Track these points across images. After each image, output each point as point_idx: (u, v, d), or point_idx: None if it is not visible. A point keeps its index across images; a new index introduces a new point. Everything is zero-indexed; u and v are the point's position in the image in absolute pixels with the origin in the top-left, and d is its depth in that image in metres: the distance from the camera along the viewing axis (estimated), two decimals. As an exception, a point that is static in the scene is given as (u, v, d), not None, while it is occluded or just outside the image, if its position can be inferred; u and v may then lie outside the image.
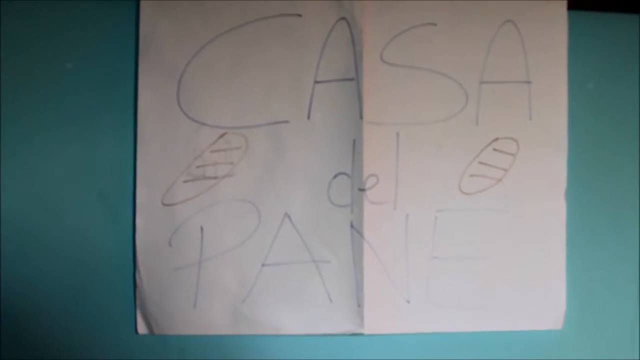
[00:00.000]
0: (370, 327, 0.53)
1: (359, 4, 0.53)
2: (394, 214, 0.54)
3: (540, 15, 0.55)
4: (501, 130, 0.55)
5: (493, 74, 0.55)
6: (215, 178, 0.52)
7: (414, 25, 0.54)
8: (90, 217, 0.52)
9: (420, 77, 0.54)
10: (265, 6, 0.53)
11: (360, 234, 0.53)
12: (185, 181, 0.52)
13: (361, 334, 0.53)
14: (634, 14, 0.58)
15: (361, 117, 0.53)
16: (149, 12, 0.52)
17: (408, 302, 0.54)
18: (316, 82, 0.53)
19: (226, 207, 0.52)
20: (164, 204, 0.52)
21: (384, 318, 0.53)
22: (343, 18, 0.53)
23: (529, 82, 0.55)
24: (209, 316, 0.52)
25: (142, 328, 0.52)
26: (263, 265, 0.53)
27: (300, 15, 0.53)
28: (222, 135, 0.52)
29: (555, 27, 0.56)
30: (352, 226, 0.53)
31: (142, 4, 0.52)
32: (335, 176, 0.53)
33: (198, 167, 0.52)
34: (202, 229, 0.52)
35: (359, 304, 0.53)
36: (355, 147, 0.53)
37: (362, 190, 0.53)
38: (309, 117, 0.53)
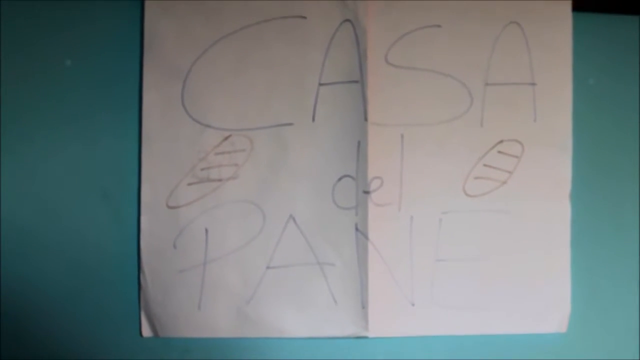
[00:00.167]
0: (375, 329, 0.53)
1: (363, 6, 0.53)
2: (398, 216, 0.54)
3: (545, 16, 0.55)
4: (506, 131, 0.55)
5: (498, 76, 0.55)
6: (219, 180, 0.52)
7: (419, 27, 0.54)
8: (94, 217, 0.52)
9: (424, 78, 0.54)
10: (269, 8, 0.53)
11: (365, 236, 0.53)
12: (189, 184, 0.52)
13: (366, 337, 0.53)
14: (637, 16, 0.58)
15: (366, 118, 0.53)
16: (154, 12, 0.52)
17: (413, 304, 0.54)
18: (320, 84, 0.53)
19: (231, 209, 0.52)
20: (168, 206, 0.52)
21: (388, 320, 0.53)
22: (347, 20, 0.53)
23: (533, 84, 0.55)
24: (213, 318, 0.52)
25: (146, 331, 0.52)
26: (267, 267, 0.53)
27: (304, 17, 0.53)
28: (226, 138, 0.52)
29: (559, 28, 0.56)
30: (356, 228, 0.53)
31: (147, 4, 0.52)
32: (340, 178, 0.53)
33: (202, 169, 0.52)
34: (206, 230, 0.52)
35: (364, 306, 0.53)
36: (360, 149, 0.53)
37: (366, 192, 0.53)
38: (313, 119, 0.53)
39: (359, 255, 0.53)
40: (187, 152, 0.52)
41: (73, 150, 0.52)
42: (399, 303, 0.53)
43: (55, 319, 0.52)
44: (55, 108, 0.52)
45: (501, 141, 0.55)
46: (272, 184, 0.53)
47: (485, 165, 0.55)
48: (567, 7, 0.55)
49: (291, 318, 0.53)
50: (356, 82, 0.53)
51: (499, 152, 0.55)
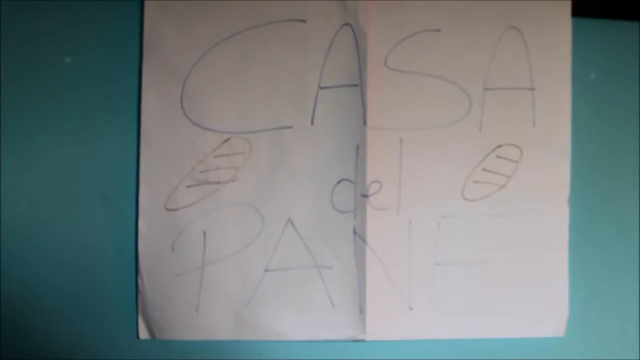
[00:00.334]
0: (373, 333, 0.53)
1: (363, 10, 0.53)
2: (397, 219, 0.54)
3: (544, 21, 0.55)
4: (505, 136, 0.55)
5: (497, 80, 0.55)
6: (218, 183, 0.52)
7: (418, 31, 0.54)
8: (92, 219, 0.52)
9: (424, 82, 0.54)
10: (270, 10, 0.52)
11: (363, 239, 0.53)
12: (188, 186, 0.52)
13: (363, 340, 0.53)
14: (631, 21, 0.58)
15: (365, 122, 0.53)
16: (153, 13, 0.52)
17: (410, 308, 0.54)
18: (320, 87, 0.53)
19: (229, 211, 0.52)
20: (166, 209, 0.52)
21: (386, 324, 0.53)
22: (347, 24, 0.53)
23: (532, 89, 0.55)
24: (211, 321, 0.52)
25: (143, 333, 0.52)
26: (266, 270, 0.52)
27: (304, 21, 0.53)
28: (226, 140, 0.52)
29: (559, 33, 0.56)
30: (355, 232, 0.53)
31: (147, 4, 0.52)
32: (338, 182, 0.53)
33: (201, 171, 0.52)
34: (204, 233, 0.52)
35: (362, 310, 0.53)
36: (359, 152, 0.53)
37: (365, 196, 0.53)
38: (312, 123, 0.53)
39: (357, 258, 0.53)
40: (186, 154, 0.52)
41: (71, 152, 0.52)
42: (397, 307, 0.54)
43: (53, 321, 0.51)
44: (53, 109, 0.52)
45: (500, 146, 0.55)
46: (270, 187, 0.52)
47: (484, 169, 0.55)
48: (567, 12, 0.56)
49: (289, 321, 0.53)
50: (356, 85, 0.53)
51: (498, 156, 0.55)
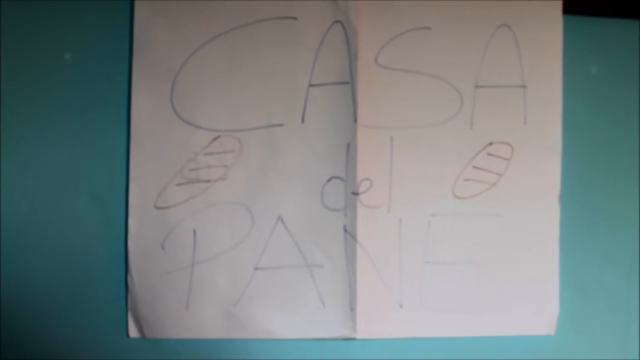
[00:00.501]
0: (363, 331, 0.53)
1: (354, 7, 0.53)
2: (387, 217, 0.53)
3: (536, 19, 0.55)
4: (496, 134, 0.55)
5: (488, 78, 0.55)
6: (208, 181, 0.52)
7: (409, 29, 0.54)
8: (82, 218, 0.52)
9: (415, 80, 0.54)
10: (260, 8, 0.52)
11: (354, 237, 0.53)
12: (178, 184, 0.52)
13: (354, 338, 0.53)
14: (629, 19, 0.58)
15: (355, 120, 0.53)
16: (143, 12, 0.52)
17: (401, 306, 0.54)
18: (311, 85, 0.53)
19: (219, 210, 0.52)
20: (156, 207, 0.51)
21: (377, 322, 0.53)
22: (338, 21, 0.53)
23: (524, 86, 0.55)
24: (201, 319, 0.52)
25: (133, 331, 0.52)
26: (256, 268, 0.52)
27: (295, 18, 0.53)
28: (216, 138, 0.52)
29: (550, 31, 0.56)
30: (345, 230, 0.53)
31: (137, 3, 0.52)
32: (329, 180, 0.53)
33: (191, 170, 0.52)
34: (194, 232, 0.52)
35: (352, 308, 0.53)
36: (349, 150, 0.53)
37: (355, 194, 0.53)
38: (303, 121, 0.53)
39: (348, 257, 0.53)
40: (176, 152, 0.52)
41: (61, 151, 0.52)
42: (388, 305, 0.53)
43: (43, 319, 0.51)
44: (43, 108, 0.51)
45: (491, 143, 0.55)
46: (261, 185, 0.52)
47: (474, 167, 0.55)
48: (558, 10, 0.56)
49: (279, 319, 0.53)
50: (346, 83, 0.53)
51: (489, 154, 0.55)
